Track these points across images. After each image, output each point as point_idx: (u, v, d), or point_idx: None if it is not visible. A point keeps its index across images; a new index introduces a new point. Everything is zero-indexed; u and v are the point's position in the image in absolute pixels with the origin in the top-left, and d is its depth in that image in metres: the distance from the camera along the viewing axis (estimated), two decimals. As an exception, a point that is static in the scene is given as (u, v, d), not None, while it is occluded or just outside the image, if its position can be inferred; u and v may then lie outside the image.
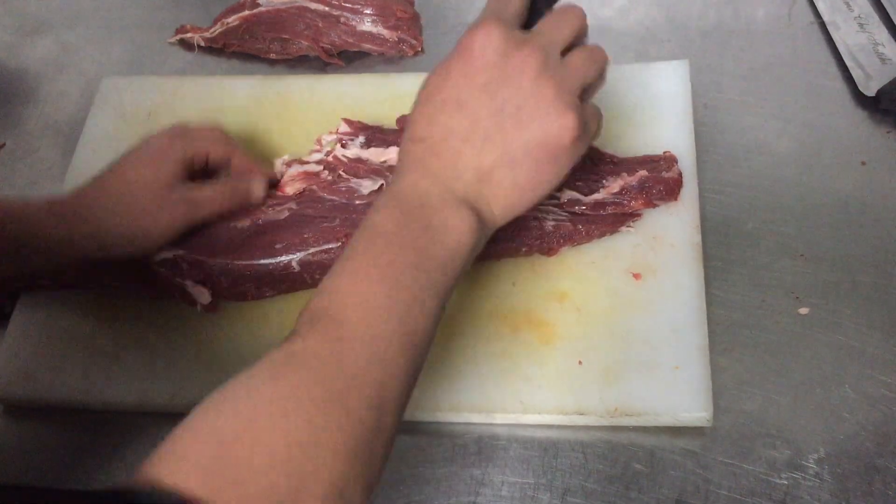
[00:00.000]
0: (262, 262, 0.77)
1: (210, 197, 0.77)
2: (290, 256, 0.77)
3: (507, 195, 0.60)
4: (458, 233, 0.57)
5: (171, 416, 0.75)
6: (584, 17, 0.63)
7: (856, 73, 0.88)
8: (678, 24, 0.97)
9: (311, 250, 0.76)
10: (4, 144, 0.98)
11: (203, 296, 0.77)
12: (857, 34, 0.91)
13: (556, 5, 0.65)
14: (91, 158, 0.91)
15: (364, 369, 0.50)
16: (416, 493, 0.70)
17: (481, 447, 0.71)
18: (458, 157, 0.59)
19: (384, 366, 0.52)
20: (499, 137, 0.58)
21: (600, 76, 0.65)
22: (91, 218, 0.73)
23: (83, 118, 0.95)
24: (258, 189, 0.79)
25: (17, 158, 0.97)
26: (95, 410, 0.77)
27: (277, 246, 0.77)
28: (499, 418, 0.71)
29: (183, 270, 0.77)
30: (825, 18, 0.94)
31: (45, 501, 0.49)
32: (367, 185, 0.79)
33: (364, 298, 0.53)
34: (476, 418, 0.72)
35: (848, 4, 0.94)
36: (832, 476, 0.67)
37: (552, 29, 0.62)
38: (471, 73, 0.59)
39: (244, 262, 0.77)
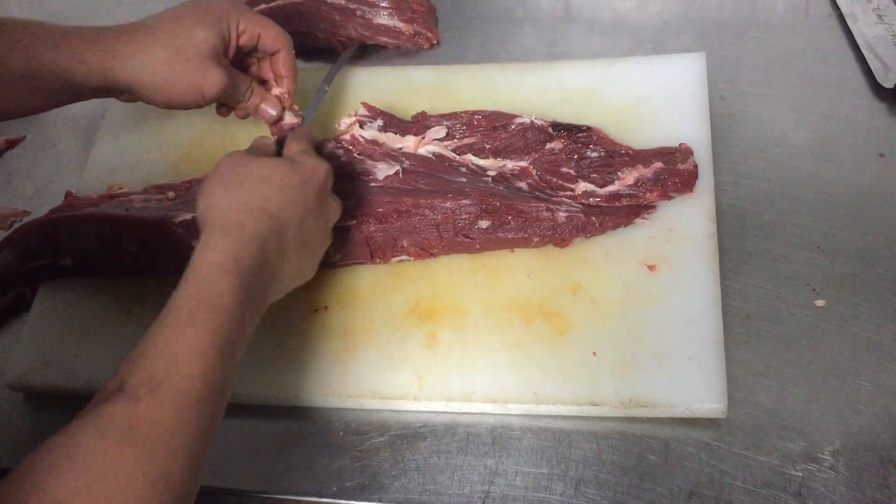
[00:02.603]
0: None
1: (241, 88, 0.77)
2: None
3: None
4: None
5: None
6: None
7: (874, 65, 0.87)
8: (695, 16, 0.97)
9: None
10: (25, 137, 0.99)
11: None
12: (875, 26, 0.91)
13: None
14: (110, 150, 0.92)
15: (189, 444, 0.52)
16: (430, 482, 0.70)
17: (495, 437, 0.72)
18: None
19: (204, 437, 0.54)
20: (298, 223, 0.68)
21: None
22: (135, 49, 0.71)
23: (102, 111, 0.96)
24: (265, 112, 0.81)
25: (38, 150, 0.98)
26: (114, 399, 0.77)
27: None
28: (513, 409, 0.72)
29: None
30: (843, 10, 0.93)
31: None
32: (382, 169, 0.80)
33: (205, 374, 0.55)
34: (490, 408, 0.72)
35: (867, -4, 0.94)
36: (847, 468, 0.67)
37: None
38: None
39: None
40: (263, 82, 0.83)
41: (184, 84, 0.73)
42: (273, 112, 0.81)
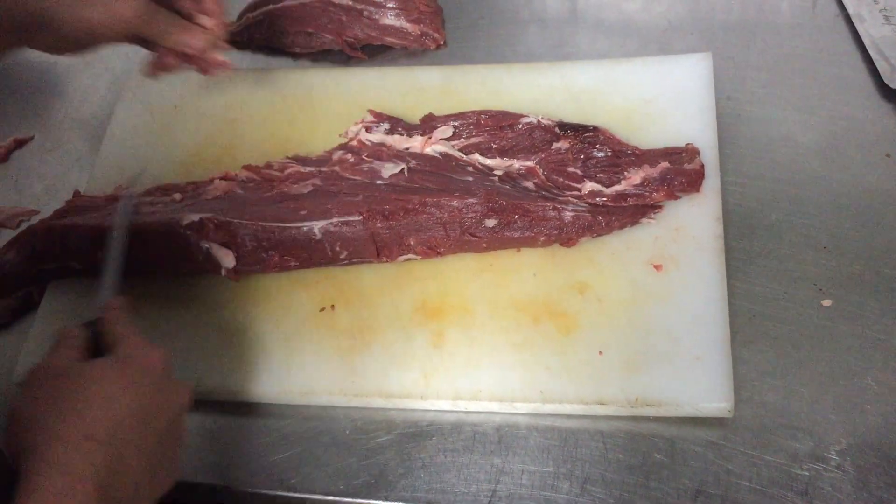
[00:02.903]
0: (286, 225, 0.78)
1: (164, 17, 0.75)
2: (313, 223, 0.78)
3: None
4: None
5: (196, 402, 0.77)
6: None
7: (880, 66, 0.87)
8: (701, 16, 0.97)
9: (334, 220, 0.78)
10: (33, 137, 1.00)
11: (228, 258, 0.78)
12: (882, 27, 0.91)
13: None
14: (118, 151, 0.93)
15: None
16: (436, 480, 0.70)
17: (502, 436, 0.72)
18: None
19: None
20: None
21: None
22: None
23: (110, 111, 0.97)
24: (197, 41, 0.77)
25: (45, 151, 0.98)
26: (121, 397, 0.78)
27: (302, 213, 0.78)
28: (519, 408, 0.72)
29: (209, 232, 0.78)
30: (850, 11, 0.93)
31: None
32: (388, 168, 0.81)
33: None
34: (497, 407, 0.72)
35: (873, -4, 0.94)
36: (854, 467, 0.66)
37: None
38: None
39: (269, 224, 0.78)
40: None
41: (99, 5, 0.70)
42: (199, 42, 0.77)
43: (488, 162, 0.81)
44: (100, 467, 0.52)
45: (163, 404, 0.58)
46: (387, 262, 0.79)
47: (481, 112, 0.85)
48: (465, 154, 0.82)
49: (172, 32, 0.76)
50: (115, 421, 0.54)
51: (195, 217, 0.78)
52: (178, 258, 0.79)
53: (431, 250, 0.78)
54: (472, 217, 0.77)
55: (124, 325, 0.63)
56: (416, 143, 0.82)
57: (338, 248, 0.78)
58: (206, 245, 0.78)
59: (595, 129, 0.82)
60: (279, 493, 0.72)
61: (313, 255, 0.78)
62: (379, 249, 0.78)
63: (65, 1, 0.69)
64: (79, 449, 0.52)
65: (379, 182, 0.80)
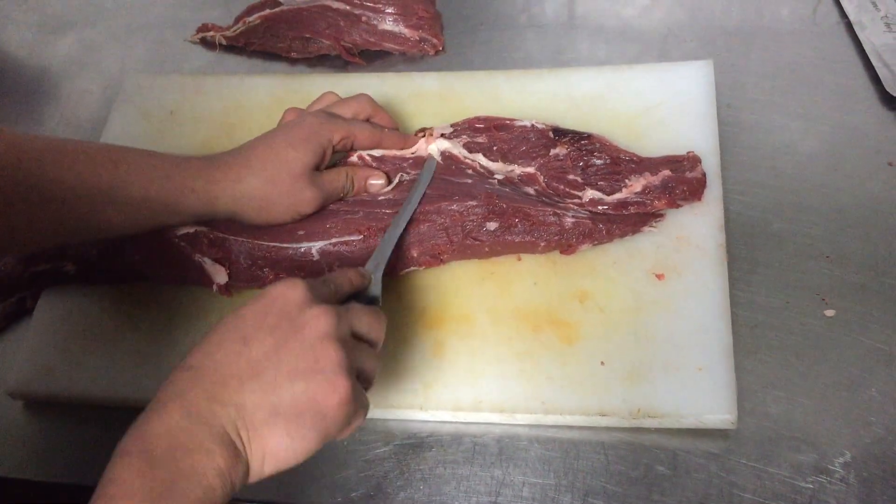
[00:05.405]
0: (284, 245, 0.77)
1: (338, 188, 0.79)
2: (311, 244, 0.77)
3: (269, 443, 0.55)
4: (208, 478, 0.52)
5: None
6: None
7: (882, 74, 0.87)
8: (701, 23, 0.97)
9: (333, 240, 0.77)
10: (27, 142, 0.98)
11: (220, 275, 0.77)
12: (883, 34, 0.90)
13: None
14: (113, 156, 0.91)
15: None
16: (436, 492, 0.69)
17: (502, 447, 0.71)
18: (222, 390, 0.54)
19: None
20: (269, 379, 0.55)
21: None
22: (234, 180, 0.74)
23: (105, 116, 0.96)
24: (376, 186, 0.81)
25: (39, 155, 0.97)
26: (115, 406, 0.77)
27: (300, 232, 0.77)
28: (520, 418, 0.71)
29: (203, 247, 0.77)
30: (851, 18, 0.93)
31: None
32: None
33: None
34: (497, 418, 0.71)
35: (875, 4, 0.93)
36: (858, 480, 0.66)
37: (356, 311, 0.62)
38: (262, 313, 0.58)
39: (265, 243, 0.77)
40: None
41: (280, 207, 0.76)
42: (381, 182, 0.81)
43: (490, 165, 0.80)
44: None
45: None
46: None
47: (474, 118, 0.84)
48: (469, 152, 0.81)
49: (355, 189, 0.81)
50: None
51: (190, 228, 0.77)
52: (171, 267, 0.78)
53: (435, 259, 0.77)
54: (473, 220, 0.76)
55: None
56: (419, 145, 0.81)
57: (336, 267, 0.77)
58: (200, 259, 0.77)
59: (590, 136, 0.81)
60: (276, 504, 0.71)
61: (310, 274, 0.77)
62: (379, 271, 0.77)
63: (252, 206, 0.75)
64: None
65: (380, 197, 0.79)
